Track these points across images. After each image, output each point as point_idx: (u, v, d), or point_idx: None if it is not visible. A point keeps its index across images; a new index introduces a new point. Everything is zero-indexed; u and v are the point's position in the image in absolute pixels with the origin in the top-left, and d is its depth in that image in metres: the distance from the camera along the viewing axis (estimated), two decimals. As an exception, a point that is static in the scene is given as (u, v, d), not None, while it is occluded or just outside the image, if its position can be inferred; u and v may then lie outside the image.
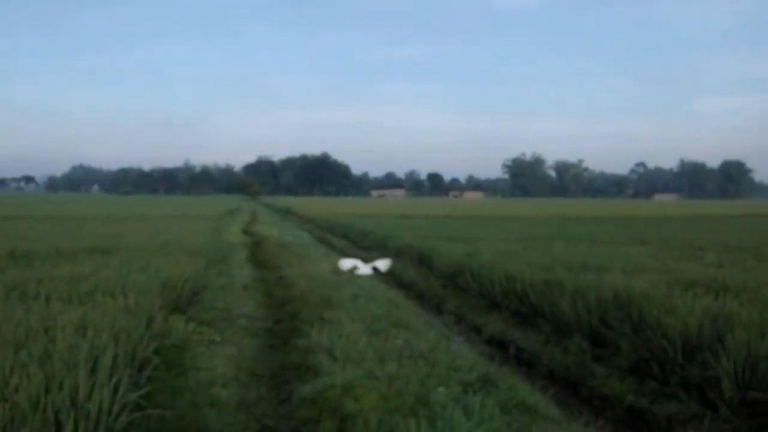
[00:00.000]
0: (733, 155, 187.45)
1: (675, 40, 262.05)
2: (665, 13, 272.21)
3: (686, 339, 5.98)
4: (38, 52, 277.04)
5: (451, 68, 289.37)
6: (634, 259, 11.83)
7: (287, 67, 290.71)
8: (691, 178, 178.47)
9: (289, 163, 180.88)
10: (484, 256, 12.22)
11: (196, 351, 6.83)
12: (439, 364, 5.67)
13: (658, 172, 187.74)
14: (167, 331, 6.82)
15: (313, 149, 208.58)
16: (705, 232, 21.94)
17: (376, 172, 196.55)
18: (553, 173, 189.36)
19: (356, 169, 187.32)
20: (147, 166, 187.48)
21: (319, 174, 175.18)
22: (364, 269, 12.10)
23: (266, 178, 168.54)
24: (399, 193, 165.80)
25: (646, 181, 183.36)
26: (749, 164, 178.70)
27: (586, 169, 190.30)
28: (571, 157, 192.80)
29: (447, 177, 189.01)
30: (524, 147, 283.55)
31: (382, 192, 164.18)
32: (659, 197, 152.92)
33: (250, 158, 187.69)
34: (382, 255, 14.93)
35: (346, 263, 12.36)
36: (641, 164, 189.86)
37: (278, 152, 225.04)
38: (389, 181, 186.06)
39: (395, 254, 15.75)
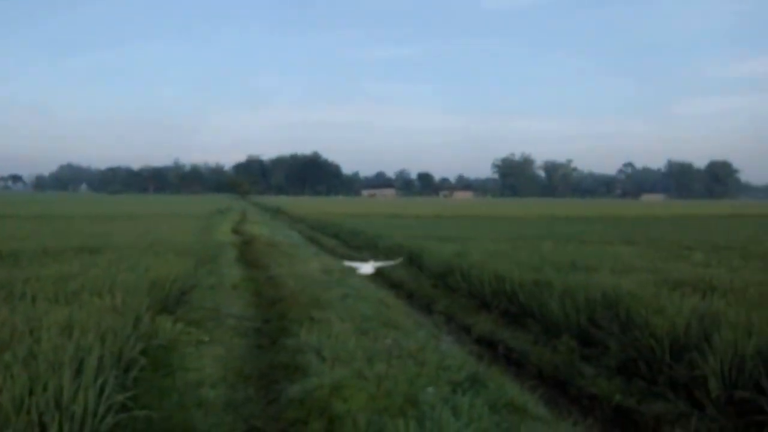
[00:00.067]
0: (720, 156, 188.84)
1: (662, 42, 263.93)
2: (653, 15, 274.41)
3: (674, 338, 6.02)
4: (25, 50, 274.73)
5: (442, 68, 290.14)
6: (622, 259, 11.90)
7: (278, 66, 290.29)
8: (679, 179, 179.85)
9: (279, 162, 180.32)
10: (473, 256, 12.26)
11: (184, 351, 6.78)
12: (428, 364, 5.67)
13: (646, 172, 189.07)
14: (155, 331, 6.77)
15: (304, 149, 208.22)
16: (692, 232, 22.11)
17: (367, 171, 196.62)
18: (542, 173, 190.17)
19: (347, 169, 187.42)
20: (136, 165, 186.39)
21: (310, 173, 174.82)
22: (365, 267, 12.15)
23: (256, 177, 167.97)
24: (389, 192, 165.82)
25: (634, 181, 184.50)
26: (736, 164, 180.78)
27: (574, 170, 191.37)
28: (560, 158, 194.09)
29: (437, 177, 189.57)
30: (514, 147, 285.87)
31: (372, 191, 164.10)
32: (647, 197, 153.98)
33: (241, 157, 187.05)
34: (373, 255, 14.94)
35: (350, 263, 12.39)
36: (629, 164, 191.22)
37: (268, 151, 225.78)
38: (380, 181, 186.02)
39: (385, 254, 15.75)
